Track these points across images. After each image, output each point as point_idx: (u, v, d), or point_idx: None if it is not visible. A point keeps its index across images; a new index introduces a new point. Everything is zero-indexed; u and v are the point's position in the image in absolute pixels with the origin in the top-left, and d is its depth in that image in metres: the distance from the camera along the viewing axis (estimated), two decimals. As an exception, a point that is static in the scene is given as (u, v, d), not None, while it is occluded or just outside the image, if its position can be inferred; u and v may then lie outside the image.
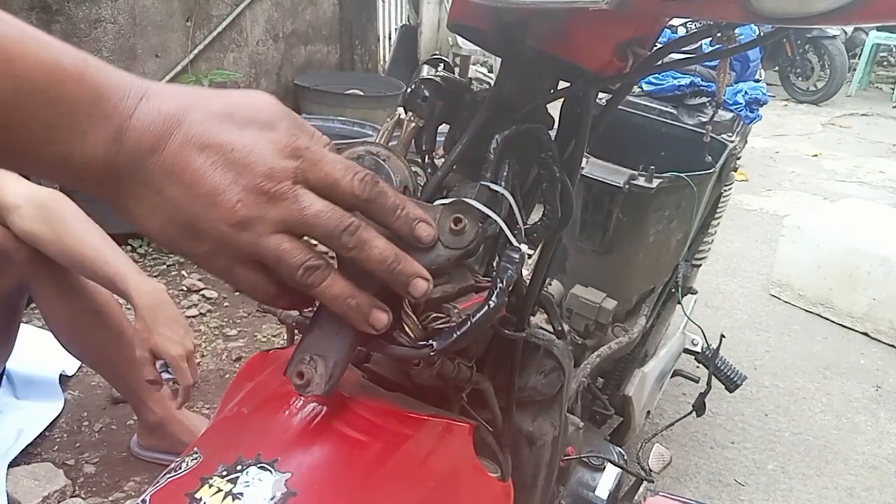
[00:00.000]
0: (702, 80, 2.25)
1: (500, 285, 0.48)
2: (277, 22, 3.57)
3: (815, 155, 4.80)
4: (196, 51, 3.16)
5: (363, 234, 0.40)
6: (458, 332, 0.46)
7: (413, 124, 0.63)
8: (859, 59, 6.95)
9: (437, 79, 0.64)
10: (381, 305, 0.43)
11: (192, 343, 1.30)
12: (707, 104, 2.24)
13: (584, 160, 1.18)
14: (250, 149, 0.38)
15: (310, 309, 0.61)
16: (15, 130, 0.35)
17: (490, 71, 5.04)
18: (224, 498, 0.41)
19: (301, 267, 0.39)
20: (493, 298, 0.47)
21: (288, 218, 0.38)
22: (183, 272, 2.44)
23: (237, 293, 2.31)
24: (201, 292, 2.33)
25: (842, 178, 4.36)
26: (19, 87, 0.35)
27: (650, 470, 1.17)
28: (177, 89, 0.40)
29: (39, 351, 1.75)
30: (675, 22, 1.91)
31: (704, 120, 2.00)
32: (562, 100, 0.65)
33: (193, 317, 2.21)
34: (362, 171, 0.41)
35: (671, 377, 1.66)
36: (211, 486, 0.42)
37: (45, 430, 1.65)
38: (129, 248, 2.45)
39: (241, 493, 0.41)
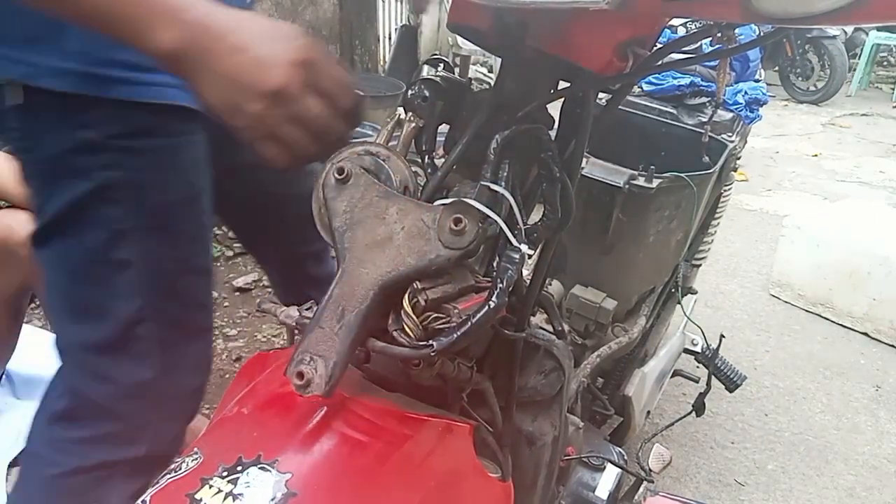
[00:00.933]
0: (702, 80, 2.24)
1: (501, 285, 0.48)
2: (277, 22, 3.57)
3: (815, 155, 4.80)
4: (196, 51, 3.15)
5: (344, 137, 0.58)
6: (459, 333, 0.46)
7: (413, 124, 0.63)
8: (859, 59, 6.93)
9: (437, 79, 0.64)
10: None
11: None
12: (707, 104, 2.23)
13: (584, 160, 1.18)
14: (273, 57, 0.55)
15: (309, 308, 0.61)
16: (112, 26, 0.55)
17: (490, 71, 5.03)
18: (224, 498, 0.41)
19: (304, 151, 0.57)
20: (494, 298, 0.47)
21: (296, 114, 0.55)
22: (183, 272, 2.44)
23: (237, 293, 2.35)
24: (201, 292, 2.33)
25: (842, 178, 4.36)
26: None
27: (650, 470, 1.17)
28: (232, 11, 0.56)
29: (39, 351, 1.74)
30: (676, 22, 1.91)
31: (704, 120, 1.99)
32: (562, 100, 0.65)
33: (193, 317, 2.21)
34: (354, 91, 0.57)
35: (671, 377, 1.66)
36: (211, 486, 0.42)
37: (45, 430, 1.64)
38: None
39: (242, 494, 0.41)
